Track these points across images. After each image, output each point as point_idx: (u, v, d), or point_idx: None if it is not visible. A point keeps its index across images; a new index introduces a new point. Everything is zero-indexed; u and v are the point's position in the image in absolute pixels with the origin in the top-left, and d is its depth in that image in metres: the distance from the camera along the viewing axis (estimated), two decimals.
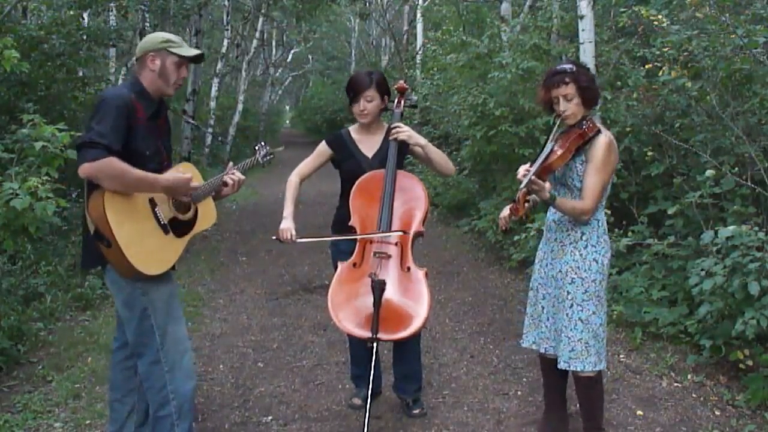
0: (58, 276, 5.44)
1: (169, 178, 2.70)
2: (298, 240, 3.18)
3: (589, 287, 2.90)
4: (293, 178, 3.39)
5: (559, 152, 2.82)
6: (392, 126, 3.29)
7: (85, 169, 2.51)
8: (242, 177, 2.98)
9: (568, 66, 2.89)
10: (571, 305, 2.91)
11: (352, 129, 3.46)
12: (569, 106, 2.85)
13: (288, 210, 3.27)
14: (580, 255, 2.92)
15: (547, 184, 2.87)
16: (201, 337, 4.73)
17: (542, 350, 3.10)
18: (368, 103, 3.31)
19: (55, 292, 5.21)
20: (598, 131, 2.84)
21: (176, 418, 2.81)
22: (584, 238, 2.93)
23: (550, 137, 2.90)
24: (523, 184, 2.79)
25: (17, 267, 5.21)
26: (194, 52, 2.81)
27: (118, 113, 2.58)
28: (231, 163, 3.03)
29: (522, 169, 2.88)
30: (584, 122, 2.84)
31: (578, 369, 2.91)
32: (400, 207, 3.20)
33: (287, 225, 3.21)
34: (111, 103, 2.61)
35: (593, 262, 2.91)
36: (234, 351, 4.49)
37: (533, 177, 2.76)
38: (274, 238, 3.24)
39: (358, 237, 3.17)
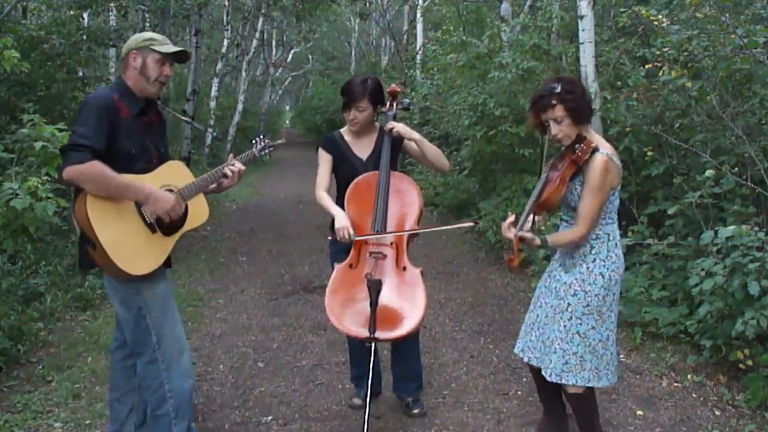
0: (58, 276, 5.44)
1: (154, 193, 2.66)
2: (356, 238, 3.13)
3: (591, 301, 2.83)
4: (320, 193, 3.31)
5: (553, 186, 2.74)
6: (386, 124, 3.30)
7: (68, 172, 2.52)
8: (242, 168, 2.96)
9: (553, 85, 2.76)
10: (570, 318, 2.85)
11: (345, 131, 3.45)
12: (561, 128, 2.76)
13: (336, 209, 3.21)
14: (587, 268, 2.84)
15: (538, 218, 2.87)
16: (201, 337, 4.73)
17: (526, 359, 3.07)
18: (360, 113, 3.30)
19: (55, 292, 5.21)
20: (594, 151, 2.73)
21: (174, 417, 2.82)
22: (593, 251, 2.85)
23: (544, 168, 2.83)
24: (519, 224, 2.72)
25: (17, 267, 5.21)
26: (175, 48, 2.80)
27: (99, 114, 2.59)
28: (231, 155, 3.02)
29: (507, 222, 2.82)
30: (577, 145, 2.73)
31: (570, 383, 2.86)
32: (394, 207, 3.21)
33: (345, 223, 3.12)
34: (92, 104, 2.62)
35: (599, 276, 2.83)
36: (234, 351, 4.49)
37: (525, 227, 2.72)
38: (329, 239, 3.23)
39: (412, 231, 3.16)
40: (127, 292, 2.74)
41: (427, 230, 3.21)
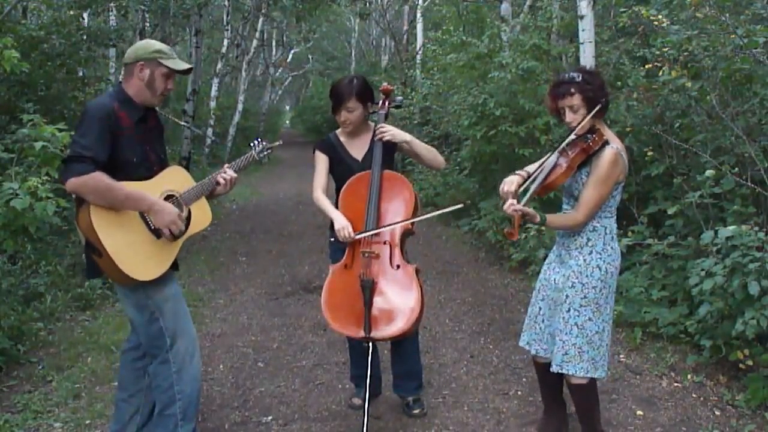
0: (58, 276, 5.44)
1: (157, 204, 2.66)
2: (356, 236, 3.14)
3: (588, 293, 2.87)
4: (318, 195, 3.31)
5: (560, 171, 2.79)
6: (377, 128, 3.29)
7: (72, 184, 2.52)
8: (234, 175, 2.96)
9: (574, 75, 2.83)
10: (569, 309, 2.89)
11: (340, 132, 3.45)
12: (576, 117, 2.81)
13: (335, 212, 3.21)
14: (584, 260, 2.88)
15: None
16: (201, 337, 4.72)
17: (533, 351, 3.10)
18: (350, 113, 3.29)
19: (55, 292, 5.21)
20: (605, 143, 2.79)
21: (180, 419, 2.84)
22: (590, 244, 2.89)
23: (559, 147, 2.86)
24: (524, 201, 2.74)
25: (17, 267, 5.20)
26: (184, 66, 2.79)
27: (101, 125, 2.59)
28: (226, 164, 3.03)
29: (509, 188, 2.81)
30: (590, 135, 2.79)
31: (570, 372, 2.89)
32: (387, 207, 3.21)
33: (344, 223, 3.14)
34: (93, 114, 2.61)
35: (596, 268, 2.87)
36: (234, 351, 4.49)
37: (527, 200, 2.75)
38: (332, 239, 3.24)
39: (408, 222, 3.16)
40: (138, 297, 2.75)
41: (417, 219, 3.21)
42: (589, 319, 2.87)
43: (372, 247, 3.14)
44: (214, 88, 16.01)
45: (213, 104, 15.70)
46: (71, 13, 8.19)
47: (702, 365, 3.98)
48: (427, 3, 15.05)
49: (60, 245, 5.86)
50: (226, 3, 15.23)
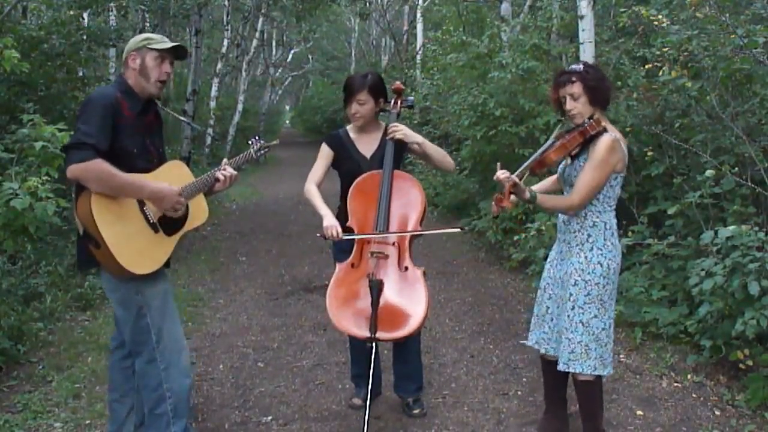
0: (58, 276, 5.44)
1: (158, 187, 2.67)
2: (344, 237, 3.13)
3: (592, 290, 2.87)
4: (310, 187, 3.31)
5: (555, 147, 2.83)
6: (389, 126, 3.29)
7: (73, 171, 2.52)
8: (234, 173, 2.95)
9: (577, 66, 2.90)
10: (573, 307, 2.89)
11: (350, 128, 3.45)
12: (576, 105, 2.85)
13: (324, 209, 3.20)
14: (585, 257, 2.89)
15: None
16: (201, 337, 4.73)
17: (542, 350, 3.11)
18: (360, 106, 3.30)
19: (55, 292, 5.21)
20: (603, 130, 2.82)
21: (172, 416, 2.82)
22: (590, 240, 2.90)
23: (553, 134, 2.91)
24: (517, 172, 2.78)
25: (17, 267, 5.21)
26: (172, 44, 2.80)
27: (104, 112, 2.59)
28: (225, 159, 3.02)
29: (504, 174, 2.82)
30: (587, 120, 2.83)
31: (577, 371, 2.90)
32: (397, 207, 3.20)
33: (333, 222, 3.14)
34: (96, 102, 2.62)
35: (597, 265, 2.88)
36: (234, 351, 4.49)
37: (519, 172, 2.78)
38: (318, 235, 3.21)
39: (408, 233, 3.14)
40: (127, 291, 2.74)
41: (413, 233, 3.20)
42: (595, 316, 2.88)
43: (380, 247, 3.14)
44: (214, 88, 15.99)
45: (213, 104, 15.67)
46: (71, 13, 8.17)
47: (702, 365, 3.98)
48: (427, 3, 15.05)
49: (60, 245, 5.86)
50: (226, 3, 15.22)
